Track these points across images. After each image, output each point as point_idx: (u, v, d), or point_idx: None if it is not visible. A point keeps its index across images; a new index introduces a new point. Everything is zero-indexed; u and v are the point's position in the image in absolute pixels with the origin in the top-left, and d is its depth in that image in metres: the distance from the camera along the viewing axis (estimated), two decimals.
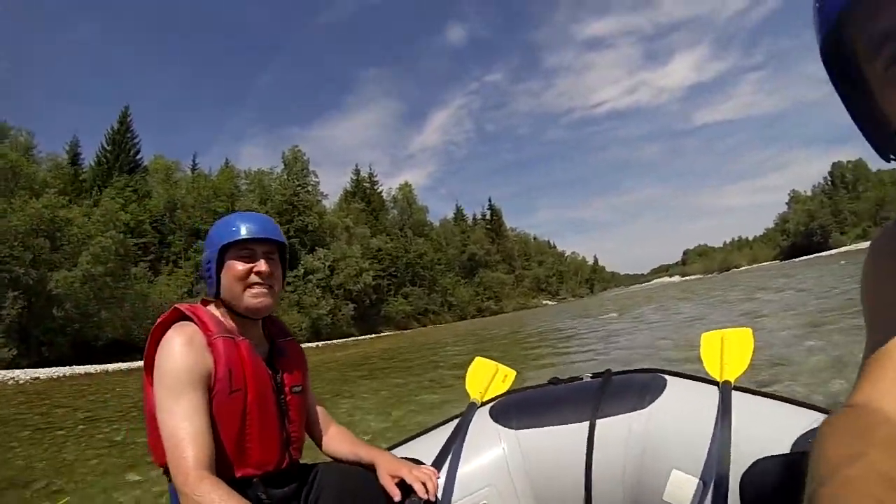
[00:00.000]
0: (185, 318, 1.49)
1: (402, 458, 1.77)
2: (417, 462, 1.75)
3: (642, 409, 2.00)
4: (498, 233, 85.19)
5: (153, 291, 31.45)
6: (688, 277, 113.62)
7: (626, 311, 27.03)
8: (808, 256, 61.85)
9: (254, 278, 1.48)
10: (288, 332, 1.73)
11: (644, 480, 1.93)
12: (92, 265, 27.40)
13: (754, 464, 1.54)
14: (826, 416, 1.48)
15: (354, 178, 62.50)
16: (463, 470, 1.98)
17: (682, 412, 1.94)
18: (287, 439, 1.60)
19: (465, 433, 2.07)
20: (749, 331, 2.20)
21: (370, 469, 1.72)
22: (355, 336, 40.02)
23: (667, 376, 2.14)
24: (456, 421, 2.16)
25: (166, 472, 1.45)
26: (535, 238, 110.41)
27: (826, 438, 0.62)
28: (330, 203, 53.62)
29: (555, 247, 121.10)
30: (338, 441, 1.83)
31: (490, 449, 2.09)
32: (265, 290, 1.50)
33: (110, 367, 24.10)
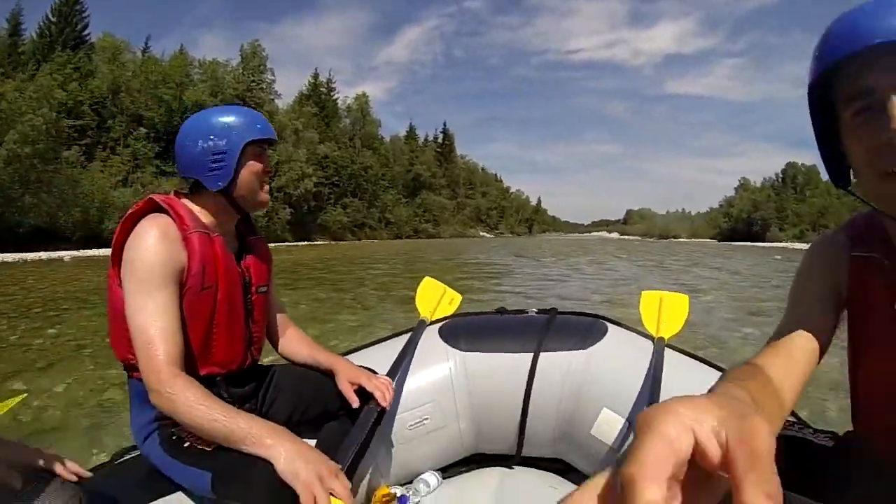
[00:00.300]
0: (159, 209, 1.43)
1: (359, 366, 1.80)
2: (372, 371, 1.78)
3: (583, 349, 2.14)
4: (447, 157, 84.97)
5: (85, 178, 29.51)
6: (626, 237, 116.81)
7: (562, 258, 28.21)
8: (745, 243, 64.58)
9: (265, 177, 1.54)
10: (256, 229, 1.72)
11: (576, 414, 2.07)
12: (19, 145, 25.21)
13: None
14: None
15: (312, 81, 60.40)
16: (410, 383, 2.05)
17: (619, 358, 2.10)
18: (250, 339, 1.61)
19: (415, 349, 2.14)
20: (686, 297, 2.39)
21: (327, 374, 1.74)
22: (289, 242, 39.71)
23: (608, 324, 2.29)
24: (406, 335, 2.25)
25: (127, 367, 1.48)
26: (482, 169, 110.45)
27: (720, 378, 0.74)
28: (283, 104, 51.96)
29: (501, 181, 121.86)
30: (295, 343, 1.85)
31: (437, 366, 2.17)
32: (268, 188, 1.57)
33: (30, 256, 22.59)
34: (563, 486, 2.13)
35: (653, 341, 2.09)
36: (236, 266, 1.55)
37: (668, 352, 2.01)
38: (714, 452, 0.34)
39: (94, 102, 34.39)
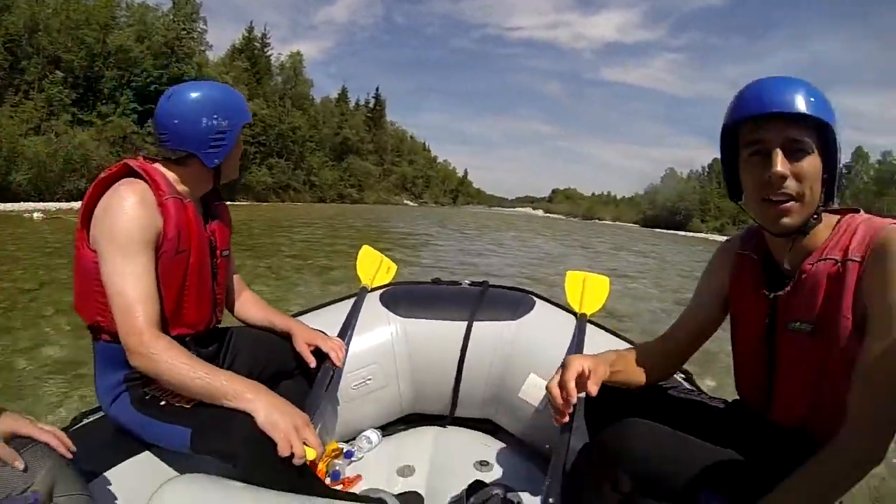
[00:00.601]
0: (132, 174, 1.45)
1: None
2: (323, 334, 1.92)
3: (512, 320, 2.34)
4: (377, 123, 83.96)
5: None
6: (551, 215, 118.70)
7: (486, 231, 28.79)
8: (667, 231, 67.07)
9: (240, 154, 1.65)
10: (220, 194, 1.76)
11: (506, 378, 2.26)
12: None
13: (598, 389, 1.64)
14: None
15: (246, 35, 57.76)
16: (355, 346, 2.15)
17: (545, 330, 2.30)
18: (215, 301, 1.67)
19: (359, 313, 2.28)
20: (607, 279, 2.60)
21: (283, 336, 1.85)
22: None
23: (536, 298, 2.52)
24: (350, 301, 2.40)
25: (94, 330, 1.50)
26: (412, 137, 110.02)
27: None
28: (214, 57, 49.53)
29: (429, 150, 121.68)
30: (251, 306, 1.93)
31: (379, 330, 2.33)
32: None
33: None
34: (493, 444, 2.30)
35: (576, 316, 2.28)
36: (205, 231, 1.61)
37: (589, 326, 2.21)
38: (584, 372, 1.29)
39: (8, 40, 31.18)
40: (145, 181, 1.43)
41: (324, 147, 65.24)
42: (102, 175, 1.46)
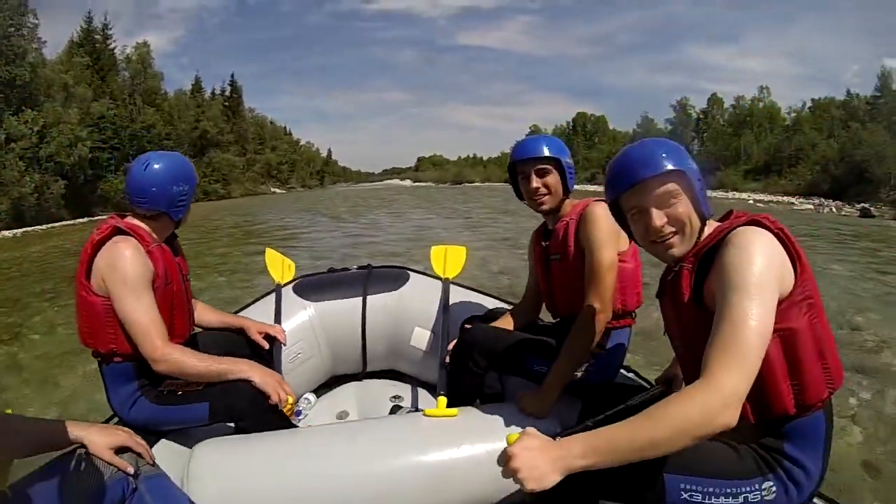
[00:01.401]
0: (120, 232, 1.95)
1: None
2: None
3: (395, 290, 3.19)
4: (235, 112, 78.44)
5: None
6: (420, 183, 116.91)
7: (360, 213, 28.16)
8: None
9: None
10: (174, 233, 2.22)
11: (398, 333, 3.11)
12: None
13: (461, 324, 2.61)
14: (510, 304, 2.90)
15: (85, 27, 50.66)
16: (286, 330, 2.74)
17: (420, 293, 3.14)
18: (190, 315, 2.26)
19: (281, 304, 2.91)
20: (464, 248, 3.25)
21: (236, 331, 2.50)
22: (66, 220, 33.42)
23: (409, 272, 3.36)
24: (270, 296, 3.04)
25: (103, 357, 2.00)
26: (272, 122, 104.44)
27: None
28: (53, 55, 42.89)
29: (291, 134, 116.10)
30: (206, 313, 2.50)
31: (298, 314, 3.03)
32: None
33: None
34: (399, 384, 3.15)
35: (441, 280, 2.99)
36: (176, 265, 2.14)
37: (452, 287, 2.98)
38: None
39: None
40: (132, 236, 1.95)
41: (182, 144, 59.97)
42: (96, 237, 1.94)
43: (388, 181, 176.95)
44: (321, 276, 3.38)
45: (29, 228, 29.02)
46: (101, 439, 1.51)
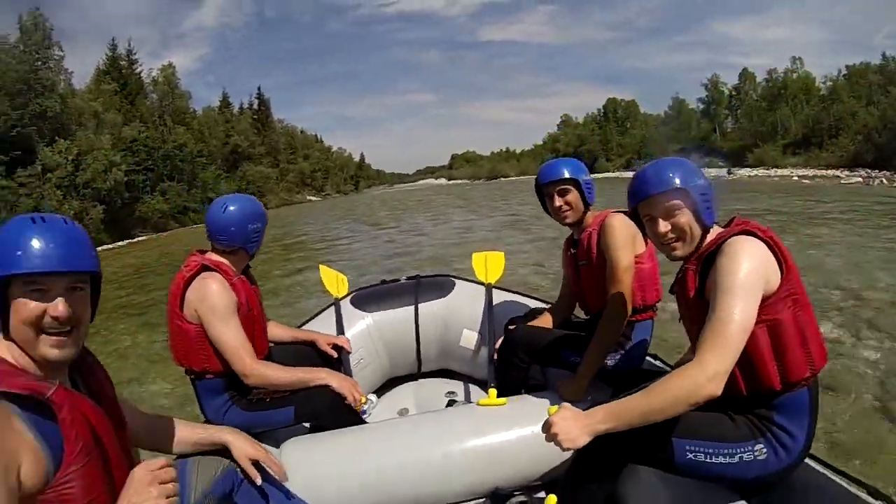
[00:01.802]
0: (207, 268, 2.24)
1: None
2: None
3: (443, 298, 3.50)
4: (265, 124, 79.54)
5: None
6: (455, 181, 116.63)
7: (400, 218, 27.68)
8: None
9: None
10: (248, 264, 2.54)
11: (448, 336, 3.41)
12: None
13: (505, 324, 2.90)
14: (548, 304, 3.20)
15: (110, 54, 51.72)
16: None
17: (466, 298, 3.45)
18: (265, 334, 2.59)
19: (341, 317, 3.26)
20: (502, 254, 3.56)
21: (307, 343, 2.85)
22: (106, 244, 33.68)
23: (455, 279, 3.67)
24: (331, 309, 3.40)
25: (191, 372, 2.33)
26: (302, 131, 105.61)
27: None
28: (81, 84, 43.98)
29: (322, 141, 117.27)
30: (278, 330, 2.82)
31: (358, 324, 3.35)
32: None
33: None
34: (452, 381, 3.48)
35: (484, 286, 3.35)
36: (253, 292, 2.48)
37: (495, 290, 3.33)
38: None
39: None
40: (217, 271, 2.25)
41: (215, 160, 61.07)
42: (186, 274, 2.24)
43: (423, 181, 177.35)
44: (375, 288, 3.71)
45: None
46: (243, 448, 1.82)
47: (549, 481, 2.23)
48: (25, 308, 1.16)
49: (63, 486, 1.13)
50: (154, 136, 48.17)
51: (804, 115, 53.32)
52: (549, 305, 3.05)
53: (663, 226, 1.68)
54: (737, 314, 1.47)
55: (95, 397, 1.32)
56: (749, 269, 1.50)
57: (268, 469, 1.86)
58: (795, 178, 36.31)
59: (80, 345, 1.27)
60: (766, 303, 1.53)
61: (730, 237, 1.58)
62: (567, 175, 2.50)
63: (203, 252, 2.38)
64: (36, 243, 1.15)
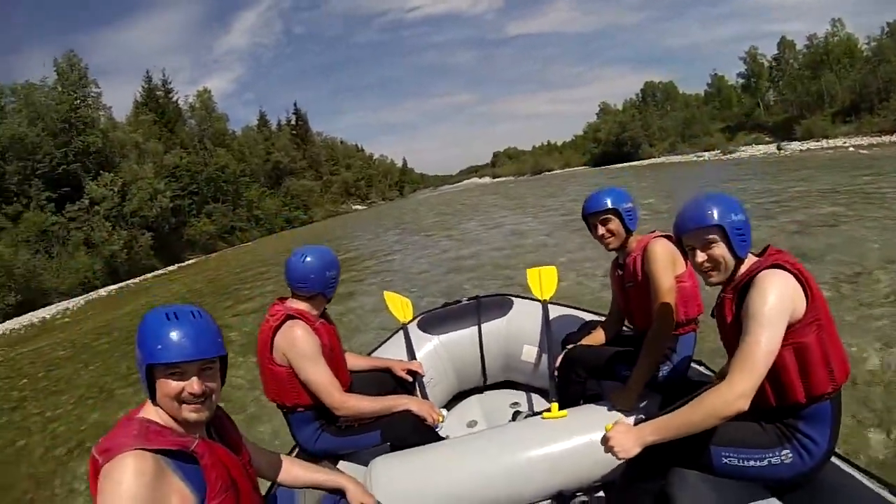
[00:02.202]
0: (291, 317, 2.50)
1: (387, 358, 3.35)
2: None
3: (503, 317, 3.75)
4: (304, 138, 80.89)
5: None
6: (499, 179, 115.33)
7: (449, 224, 26.79)
8: (619, 165, 65.17)
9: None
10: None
11: (510, 352, 3.66)
12: None
13: (562, 340, 3.16)
14: (599, 314, 3.50)
15: (146, 85, 53.30)
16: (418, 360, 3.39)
17: (524, 316, 3.69)
18: (346, 368, 2.84)
19: (411, 341, 3.54)
20: (555, 269, 3.86)
21: (383, 370, 3.11)
22: (157, 269, 35.36)
23: (513, 298, 3.93)
24: (399, 333, 3.69)
25: (282, 407, 2.63)
26: (342, 142, 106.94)
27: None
28: (121, 117, 45.62)
29: (363, 150, 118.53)
30: (356, 360, 3.07)
31: (425, 347, 3.61)
32: None
33: None
34: (515, 393, 3.77)
35: (540, 302, 3.64)
36: (333, 332, 2.74)
37: (551, 307, 3.60)
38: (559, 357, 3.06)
39: None
40: (300, 319, 2.52)
41: (258, 178, 62.39)
42: (273, 323, 2.50)
43: (467, 180, 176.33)
44: (439, 312, 3.99)
45: (122, 284, 30.79)
46: (357, 495, 2.06)
47: (606, 483, 2.48)
48: (168, 386, 1.44)
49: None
50: (196, 161, 49.73)
51: (850, 80, 50.29)
52: (602, 318, 3.30)
53: (700, 256, 1.90)
54: (763, 342, 1.69)
55: (226, 442, 1.65)
56: (775, 301, 1.70)
57: None
58: (851, 148, 34.05)
59: (213, 409, 1.55)
60: (793, 329, 1.73)
61: (761, 270, 1.78)
62: (608, 206, 2.70)
63: (284, 300, 2.65)
64: (173, 336, 1.42)
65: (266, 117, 76.29)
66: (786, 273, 1.75)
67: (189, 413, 1.46)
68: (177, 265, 37.33)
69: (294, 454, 2.65)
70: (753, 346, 1.69)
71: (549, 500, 2.52)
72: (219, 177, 51.86)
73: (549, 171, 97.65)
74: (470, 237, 19.62)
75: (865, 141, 37.54)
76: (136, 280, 31.68)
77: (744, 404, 1.70)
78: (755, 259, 1.89)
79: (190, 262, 38.97)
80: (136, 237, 35.29)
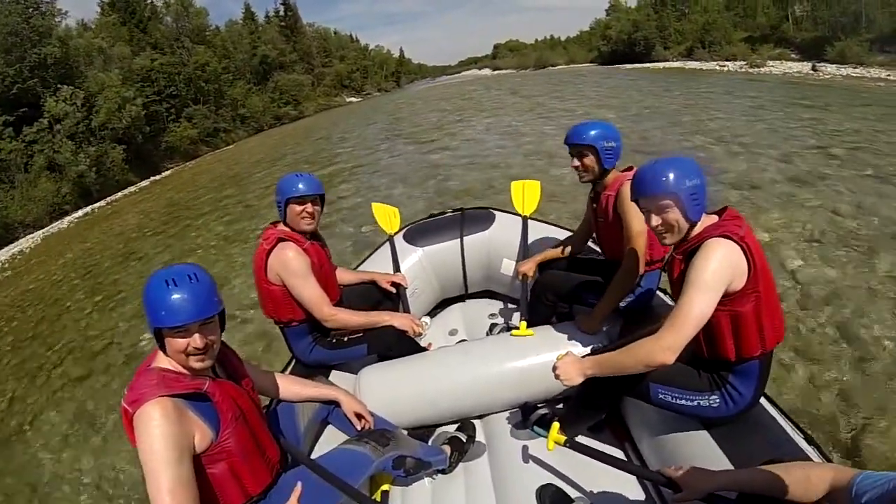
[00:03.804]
0: (282, 240, 2.77)
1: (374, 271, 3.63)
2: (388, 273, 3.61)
3: (485, 230, 3.97)
4: (294, 30, 76.41)
5: None
6: (501, 71, 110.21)
7: (451, 122, 24.97)
8: (632, 65, 60.92)
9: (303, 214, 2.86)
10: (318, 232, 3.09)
11: (491, 264, 3.92)
12: None
13: (538, 265, 3.39)
14: (570, 231, 3.67)
15: None
16: (403, 272, 3.67)
17: (505, 230, 3.90)
18: (336, 283, 3.16)
19: (396, 253, 3.82)
20: (538, 183, 4.08)
21: (369, 283, 3.48)
22: (136, 184, 33.65)
23: (495, 211, 4.11)
24: (385, 246, 3.97)
25: (279, 322, 2.95)
26: (335, 32, 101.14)
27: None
28: (79, 21, 42.30)
29: (357, 41, 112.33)
30: (344, 275, 3.40)
31: (410, 258, 3.88)
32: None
33: None
34: (493, 303, 4.15)
35: (521, 217, 3.94)
36: (321, 251, 3.00)
37: (530, 222, 3.89)
38: (528, 266, 3.47)
39: None
40: (290, 241, 2.77)
41: (243, 74, 59.66)
42: (266, 246, 2.76)
43: (466, 71, 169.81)
44: (424, 223, 4.21)
45: (100, 204, 29.37)
46: (350, 405, 2.48)
47: (565, 396, 2.79)
48: (175, 343, 1.70)
49: (224, 443, 1.77)
50: (173, 62, 46.62)
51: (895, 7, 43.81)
52: (569, 235, 3.51)
53: (655, 220, 2.02)
54: (696, 306, 1.85)
55: (232, 376, 1.97)
56: (716, 269, 1.84)
57: (364, 415, 2.51)
58: None
59: (214, 356, 1.81)
60: (732, 297, 1.89)
61: (711, 237, 1.88)
62: (586, 140, 2.77)
63: (276, 223, 2.89)
64: (174, 301, 1.64)
65: (251, 9, 71.16)
66: (732, 244, 1.86)
67: (195, 363, 1.73)
68: (159, 175, 35.91)
69: (291, 365, 3.10)
70: (686, 308, 1.86)
71: (516, 409, 2.89)
72: (199, 76, 49.39)
73: (553, 65, 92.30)
74: (483, 143, 17.71)
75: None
76: (111, 199, 30.23)
77: (668, 357, 1.90)
78: (711, 220, 2.00)
79: (170, 171, 37.60)
80: (107, 151, 33.23)
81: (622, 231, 2.73)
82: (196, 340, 1.69)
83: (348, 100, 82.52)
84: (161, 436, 1.55)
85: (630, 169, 2.80)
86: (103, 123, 34.29)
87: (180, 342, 1.68)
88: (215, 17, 56.01)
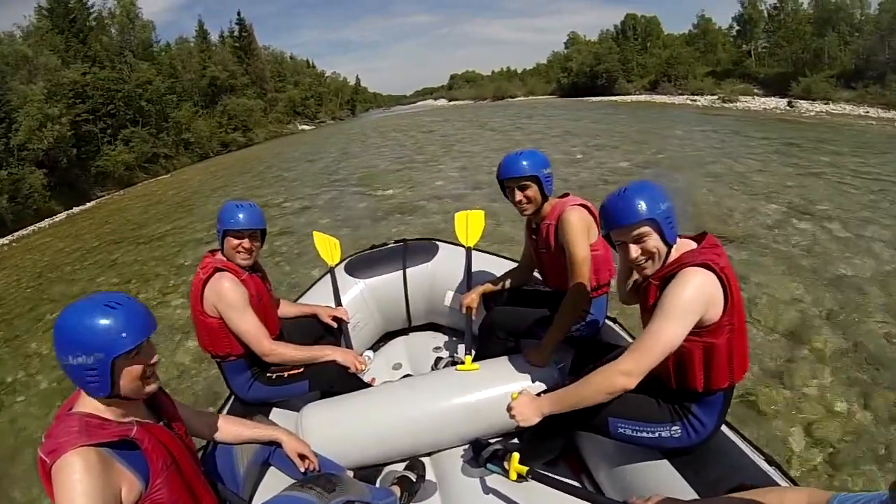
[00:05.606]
0: (219, 270, 2.58)
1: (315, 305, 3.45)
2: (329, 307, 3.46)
3: (428, 262, 3.94)
4: (248, 52, 72.11)
5: None
6: (457, 102, 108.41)
7: (416, 159, 23.20)
8: (597, 98, 59.44)
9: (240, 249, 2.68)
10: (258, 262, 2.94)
11: (434, 296, 3.88)
12: None
13: (483, 296, 3.34)
14: (514, 262, 3.61)
15: None
16: (345, 305, 3.57)
17: (449, 262, 3.89)
18: (276, 317, 3.00)
19: (337, 285, 3.71)
20: (482, 213, 4.00)
21: (311, 317, 3.33)
22: (58, 213, 28.91)
23: (439, 243, 4.11)
24: (327, 277, 3.84)
25: (221, 359, 2.76)
26: (291, 57, 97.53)
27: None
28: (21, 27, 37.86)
29: (314, 66, 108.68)
30: (285, 307, 3.24)
31: (352, 290, 3.81)
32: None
33: None
34: (437, 335, 4.02)
35: (465, 248, 3.76)
36: (261, 283, 2.83)
37: (475, 253, 3.74)
38: (471, 298, 3.37)
39: None
40: (227, 271, 2.58)
41: (190, 96, 55.36)
42: (202, 276, 2.57)
43: (421, 102, 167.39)
44: (366, 255, 4.14)
45: (14, 235, 24.94)
46: (293, 445, 2.33)
47: (519, 432, 2.68)
48: (136, 371, 1.56)
49: (155, 494, 1.58)
50: (112, 77, 41.85)
51: (857, 44, 43.81)
52: (513, 268, 3.41)
53: (634, 251, 1.87)
54: (664, 334, 1.76)
55: (163, 419, 1.78)
56: (690, 299, 1.73)
57: (308, 455, 2.36)
58: (868, 121, 27.56)
59: (157, 379, 1.71)
60: (707, 329, 1.80)
61: (691, 265, 1.77)
62: (526, 171, 2.67)
63: (214, 252, 2.75)
64: (126, 326, 1.51)
65: (205, 28, 66.45)
66: (711, 274, 1.76)
67: (150, 387, 1.62)
68: (89, 204, 30.97)
69: (230, 403, 2.92)
70: (655, 335, 1.77)
71: (466, 445, 2.76)
72: (141, 95, 44.84)
73: (511, 97, 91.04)
74: (445, 177, 17.02)
75: (878, 113, 31.24)
76: (28, 230, 25.56)
77: (629, 382, 1.81)
78: (688, 245, 1.91)
79: (101, 198, 32.81)
80: (24, 177, 28.29)
81: (566, 260, 2.66)
82: (153, 357, 1.63)
83: (301, 127, 78.60)
84: (83, 492, 1.38)
85: (566, 195, 2.81)
86: (23, 143, 29.50)
87: (139, 368, 1.57)
88: (169, 35, 52.75)
